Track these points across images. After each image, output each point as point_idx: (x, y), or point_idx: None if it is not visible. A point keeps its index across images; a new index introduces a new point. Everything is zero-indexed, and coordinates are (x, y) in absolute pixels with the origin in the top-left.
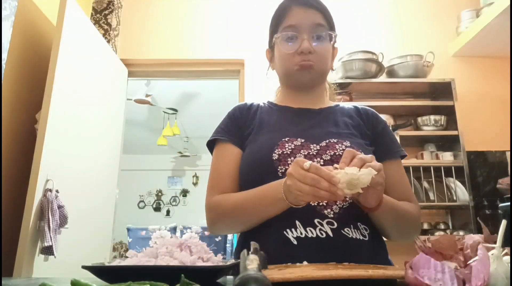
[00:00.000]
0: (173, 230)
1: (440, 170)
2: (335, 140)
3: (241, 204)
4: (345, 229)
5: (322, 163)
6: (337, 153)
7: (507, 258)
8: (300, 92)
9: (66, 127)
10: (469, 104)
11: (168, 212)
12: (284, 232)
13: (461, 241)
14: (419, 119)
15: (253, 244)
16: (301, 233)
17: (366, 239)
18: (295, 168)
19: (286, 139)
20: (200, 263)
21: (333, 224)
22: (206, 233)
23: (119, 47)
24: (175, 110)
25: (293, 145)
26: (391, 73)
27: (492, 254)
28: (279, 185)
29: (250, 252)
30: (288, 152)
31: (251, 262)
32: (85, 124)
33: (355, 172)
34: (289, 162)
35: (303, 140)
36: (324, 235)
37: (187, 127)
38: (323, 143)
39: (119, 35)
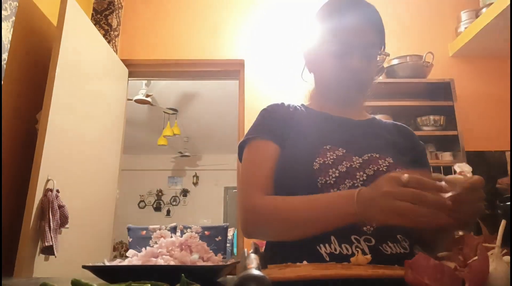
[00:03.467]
0: (173, 230)
1: (440, 170)
2: (377, 155)
3: (301, 210)
4: (383, 245)
5: (365, 178)
6: (380, 169)
7: (507, 258)
8: (338, 104)
9: (67, 127)
10: (468, 104)
11: (168, 212)
12: (317, 247)
13: (461, 240)
14: (419, 119)
15: (253, 244)
16: (335, 250)
17: (408, 251)
18: (392, 184)
19: (328, 147)
20: (200, 263)
21: (370, 241)
22: (206, 233)
23: (119, 47)
24: (175, 110)
25: (335, 155)
26: (390, 73)
27: (491, 254)
28: (351, 199)
29: (250, 252)
30: (330, 163)
31: (251, 262)
32: (86, 124)
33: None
34: (330, 173)
35: (344, 151)
36: (360, 252)
37: (187, 127)
38: (366, 157)
39: (119, 35)
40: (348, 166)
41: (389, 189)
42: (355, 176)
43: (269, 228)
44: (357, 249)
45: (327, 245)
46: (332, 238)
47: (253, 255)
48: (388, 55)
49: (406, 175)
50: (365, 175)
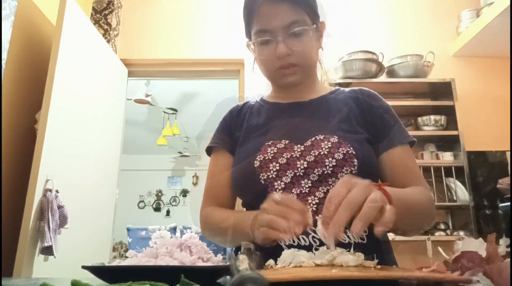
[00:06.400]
0: (173, 230)
1: (440, 170)
2: (321, 137)
3: (218, 226)
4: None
5: (305, 166)
6: (322, 153)
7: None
8: (288, 89)
9: (66, 127)
10: (469, 104)
11: (168, 212)
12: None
13: (456, 246)
14: (419, 119)
15: (245, 244)
16: (293, 241)
17: (364, 242)
18: (268, 202)
19: (270, 143)
20: (200, 263)
21: None
22: None
23: (119, 47)
24: (175, 110)
25: (276, 149)
26: (391, 73)
27: None
28: (248, 218)
29: (239, 252)
30: (270, 157)
31: (242, 263)
32: (85, 124)
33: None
34: (270, 167)
35: (287, 142)
36: (318, 242)
37: (187, 127)
38: (308, 143)
39: (119, 35)
40: (288, 156)
41: (263, 206)
42: (296, 166)
43: (209, 236)
44: (314, 239)
45: None
46: None
47: (241, 256)
48: (316, 26)
49: (278, 195)
50: (305, 162)
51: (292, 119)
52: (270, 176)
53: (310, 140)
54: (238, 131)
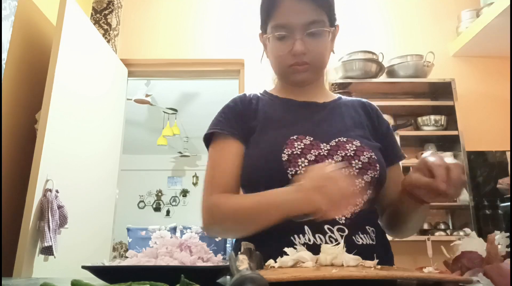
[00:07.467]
0: (173, 230)
1: None
2: (344, 139)
3: (244, 208)
4: (355, 236)
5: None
6: (348, 154)
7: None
8: (299, 87)
9: (66, 127)
10: (469, 104)
11: (168, 212)
12: (291, 238)
13: (456, 246)
14: (419, 119)
15: (245, 244)
16: (309, 240)
17: (374, 242)
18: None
19: (295, 137)
20: (200, 263)
21: (343, 231)
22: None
23: (119, 47)
24: (175, 110)
25: (302, 144)
26: (391, 73)
27: None
28: (287, 192)
29: (239, 253)
30: (298, 152)
31: (242, 263)
32: (85, 124)
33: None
34: (299, 163)
35: (312, 138)
36: (334, 242)
37: (187, 127)
38: (333, 142)
39: (119, 35)
40: (316, 154)
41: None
42: None
43: (220, 226)
44: (330, 239)
45: (301, 236)
46: (306, 228)
47: (241, 256)
48: (334, 30)
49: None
50: (333, 162)
51: (313, 116)
52: (298, 172)
53: (334, 140)
54: (251, 120)
